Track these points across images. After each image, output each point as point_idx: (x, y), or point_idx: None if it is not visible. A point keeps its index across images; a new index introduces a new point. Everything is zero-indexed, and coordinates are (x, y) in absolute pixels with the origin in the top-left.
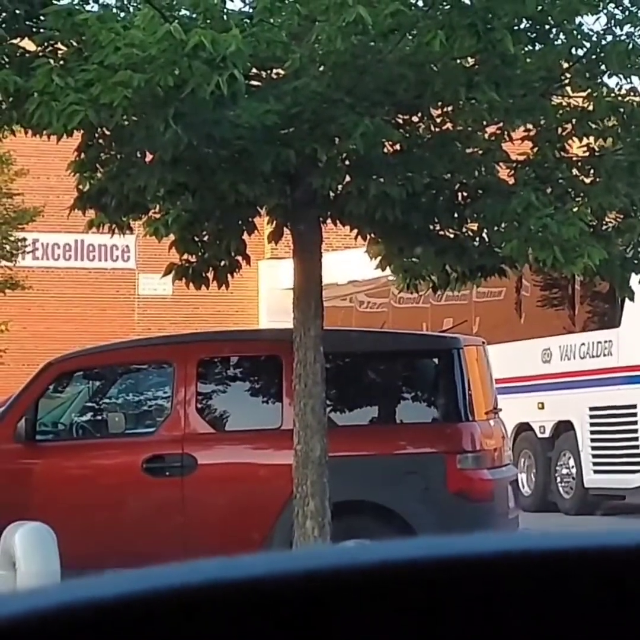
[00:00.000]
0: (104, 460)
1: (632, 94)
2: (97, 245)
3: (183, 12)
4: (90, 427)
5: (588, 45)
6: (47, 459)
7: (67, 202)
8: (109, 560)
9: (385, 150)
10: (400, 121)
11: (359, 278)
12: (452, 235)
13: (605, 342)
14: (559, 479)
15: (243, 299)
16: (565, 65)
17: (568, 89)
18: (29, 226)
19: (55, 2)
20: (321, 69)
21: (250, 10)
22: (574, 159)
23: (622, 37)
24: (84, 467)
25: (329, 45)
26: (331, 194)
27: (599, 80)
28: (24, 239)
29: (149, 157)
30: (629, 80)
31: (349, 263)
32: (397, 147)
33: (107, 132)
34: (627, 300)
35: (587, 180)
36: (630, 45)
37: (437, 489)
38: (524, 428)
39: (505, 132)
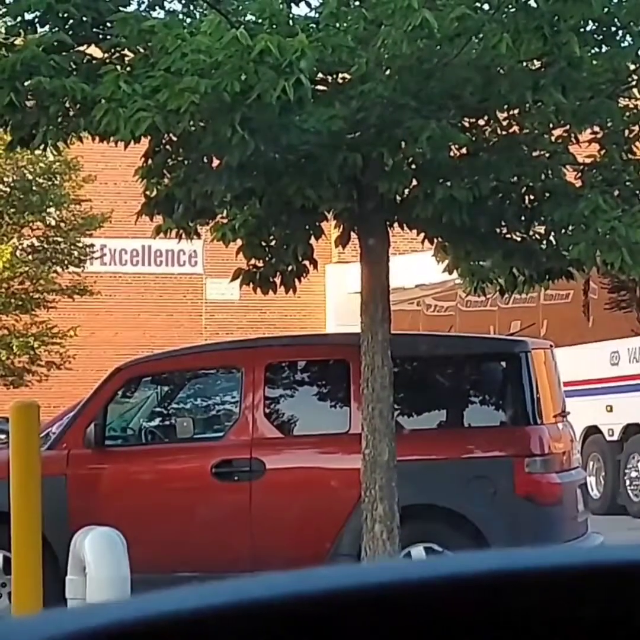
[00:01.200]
0: (173, 465)
1: None
2: (165, 251)
3: (249, 17)
4: (158, 432)
5: None
6: (116, 464)
7: (134, 207)
8: (178, 565)
9: (452, 153)
10: (467, 124)
11: (426, 282)
12: (519, 239)
13: None
14: (628, 482)
15: (310, 303)
16: (632, 67)
17: (635, 91)
18: (97, 232)
19: (122, 9)
20: (387, 73)
21: (316, 16)
22: None
23: None
24: (152, 472)
25: (395, 49)
26: (398, 198)
27: None
28: (92, 245)
29: (216, 162)
30: None
31: (416, 267)
32: (464, 150)
33: (174, 138)
34: None
35: None
36: None
37: (505, 492)
38: (592, 431)
39: (572, 135)
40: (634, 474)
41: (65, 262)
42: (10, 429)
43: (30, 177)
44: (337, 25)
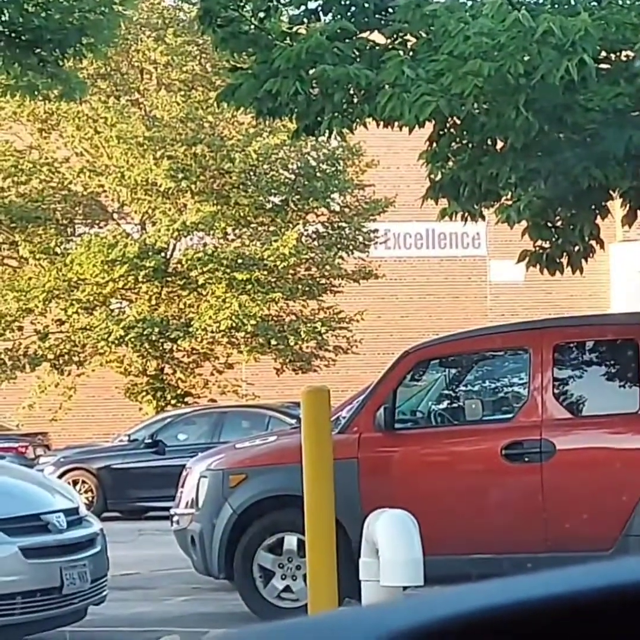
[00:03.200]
0: (463, 448)
1: None
2: (448, 233)
3: None
4: (447, 414)
5: None
6: (406, 447)
7: (417, 191)
8: (469, 547)
9: None
10: None
11: None
12: None
13: None
14: None
15: (595, 283)
16: None
17: None
18: (381, 217)
19: None
20: None
21: None
22: None
23: None
24: (442, 454)
25: None
26: None
27: None
28: (376, 230)
29: (500, 144)
30: None
31: None
32: None
33: (458, 122)
34: None
35: None
36: None
37: None
38: None
39: None
40: None
41: (350, 247)
42: (302, 414)
43: (313, 163)
44: (620, 2)
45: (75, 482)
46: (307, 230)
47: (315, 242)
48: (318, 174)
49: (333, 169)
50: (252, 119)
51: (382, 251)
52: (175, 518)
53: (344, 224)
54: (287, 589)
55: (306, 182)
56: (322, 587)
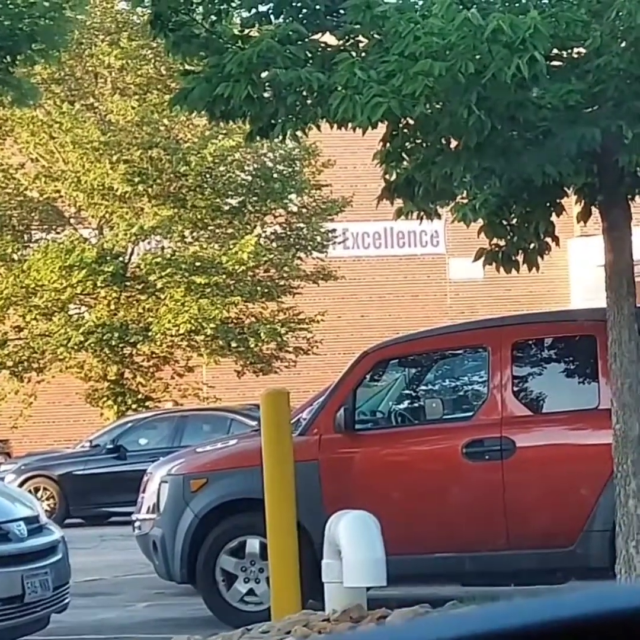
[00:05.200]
0: (424, 447)
1: None
2: (407, 232)
3: None
4: (408, 414)
5: None
6: (367, 448)
7: (374, 190)
8: (431, 546)
9: None
10: None
11: None
12: None
13: None
14: None
15: (554, 278)
16: None
17: None
18: (338, 216)
19: None
20: (623, 45)
21: None
22: None
23: None
24: (403, 454)
25: (630, 20)
26: (639, 170)
27: None
28: (334, 230)
29: (454, 143)
30: None
31: None
32: None
33: (411, 122)
34: None
35: None
36: None
37: None
38: None
39: None
40: None
41: (309, 247)
42: (262, 417)
43: (270, 164)
44: None
45: (36, 489)
46: (265, 231)
47: (274, 244)
48: (275, 175)
49: (290, 169)
50: (207, 122)
51: (341, 251)
52: (137, 523)
53: (301, 225)
54: (250, 592)
55: (263, 184)
56: (285, 590)
